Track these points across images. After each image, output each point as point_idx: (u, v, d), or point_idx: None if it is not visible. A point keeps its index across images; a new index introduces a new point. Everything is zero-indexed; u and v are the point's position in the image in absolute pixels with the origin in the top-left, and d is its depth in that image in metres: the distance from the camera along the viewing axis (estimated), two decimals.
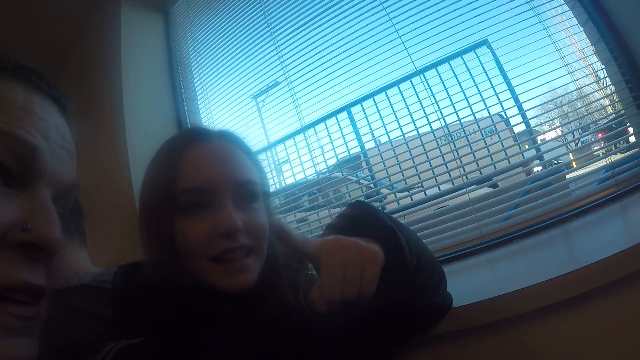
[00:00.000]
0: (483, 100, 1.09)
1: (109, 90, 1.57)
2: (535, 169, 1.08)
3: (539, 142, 1.06)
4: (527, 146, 1.07)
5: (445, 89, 1.16)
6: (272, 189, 1.36)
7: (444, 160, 1.09)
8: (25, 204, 0.34)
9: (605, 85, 1.05)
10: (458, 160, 1.07)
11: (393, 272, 0.51)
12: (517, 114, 1.04)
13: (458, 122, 1.11)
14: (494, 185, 1.05)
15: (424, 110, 1.18)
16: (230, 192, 0.58)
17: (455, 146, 1.08)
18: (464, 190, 1.01)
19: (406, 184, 1.14)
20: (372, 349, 0.63)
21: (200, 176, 0.58)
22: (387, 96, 1.26)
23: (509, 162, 1.01)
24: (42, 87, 0.38)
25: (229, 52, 1.53)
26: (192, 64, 1.67)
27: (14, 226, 0.32)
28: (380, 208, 1.08)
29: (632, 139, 1.01)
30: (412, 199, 1.10)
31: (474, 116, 1.10)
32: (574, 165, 1.14)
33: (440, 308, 0.69)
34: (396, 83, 1.25)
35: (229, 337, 0.56)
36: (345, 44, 1.30)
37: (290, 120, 1.38)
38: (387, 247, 0.52)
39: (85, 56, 1.83)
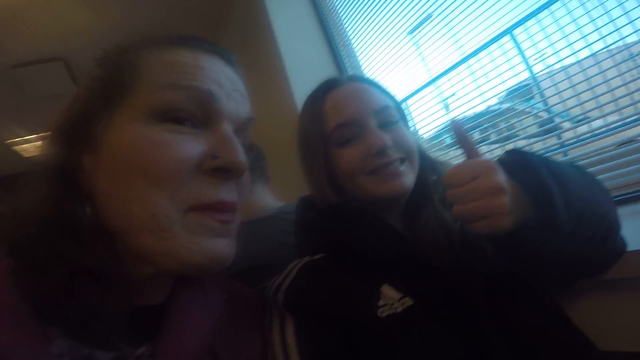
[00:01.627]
0: None
1: (268, 44, 1.77)
2: None
3: None
4: None
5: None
6: (440, 126, 1.51)
7: (624, 82, 1.06)
8: (211, 139, 0.40)
9: None
10: None
11: (542, 232, 0.49)
12: None
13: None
14: None
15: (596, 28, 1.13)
16: (372, 119, 0.65)
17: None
18: None
19: (583, 111, 1.16)
20: (535, 284, 0.62)
21: (344, 112, 0.66)
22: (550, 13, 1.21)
23: None
24: (204, 47, 0.44)
25: None
26: (339, 10, 1.71)
27: (205, 157, 0.39)
28: (556, 143, 1.20)
29: None
30: (590, 127, 1.14)
31: None
32: None
33: (606, 257, 0.61)
34: None
35: (392, 244, 0.61)
36: None
37: (450, 50, 1.40)
38: (537, 207, 0.49)
39: (237, 17, 1.97)
